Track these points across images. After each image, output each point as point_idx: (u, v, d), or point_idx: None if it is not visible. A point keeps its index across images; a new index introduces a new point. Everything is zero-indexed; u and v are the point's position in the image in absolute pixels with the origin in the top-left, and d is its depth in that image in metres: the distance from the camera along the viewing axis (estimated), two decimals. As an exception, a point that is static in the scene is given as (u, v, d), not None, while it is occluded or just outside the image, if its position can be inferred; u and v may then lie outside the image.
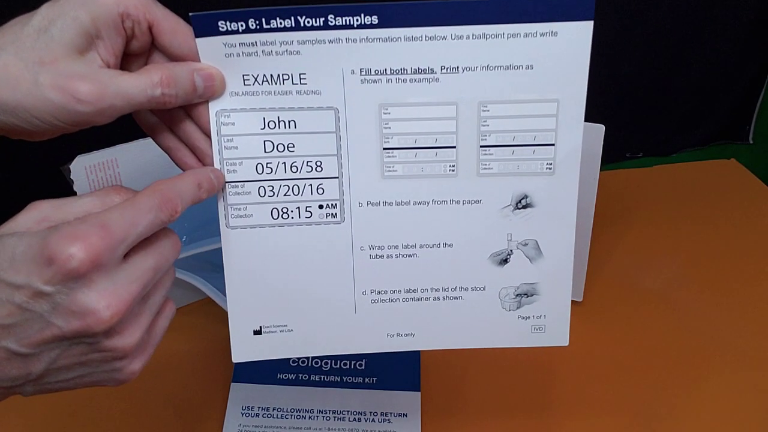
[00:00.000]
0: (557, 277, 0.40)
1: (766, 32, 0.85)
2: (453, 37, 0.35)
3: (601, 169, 0.58)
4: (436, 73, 0.36)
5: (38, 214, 0.31)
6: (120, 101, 0.33)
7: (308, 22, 0.35)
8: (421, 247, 0.39)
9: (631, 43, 0.81)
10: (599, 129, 0.57)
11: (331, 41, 0.35)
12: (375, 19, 0.35)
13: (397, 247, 0.39)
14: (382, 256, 0.39)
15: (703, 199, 0.83)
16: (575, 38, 0.36)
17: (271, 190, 0.37)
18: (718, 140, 0.94)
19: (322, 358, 0.59)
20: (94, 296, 0.29)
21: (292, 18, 0.34)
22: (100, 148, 0.59)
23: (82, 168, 0.57)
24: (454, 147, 0.38)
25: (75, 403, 0.57)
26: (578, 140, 0.38)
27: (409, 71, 0.36)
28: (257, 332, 0.40)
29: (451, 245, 0.39)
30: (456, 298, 0.40)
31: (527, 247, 0.39)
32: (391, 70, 0.36)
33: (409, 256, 0.39)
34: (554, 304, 0.41)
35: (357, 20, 0.35)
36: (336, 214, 0.38)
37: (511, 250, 0.39)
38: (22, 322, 0.29)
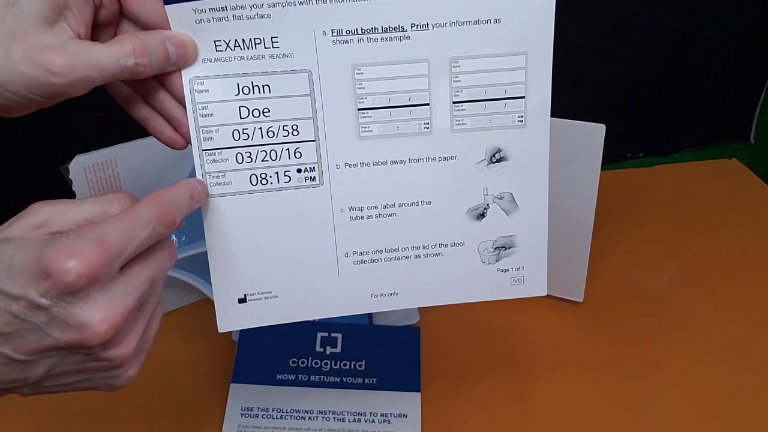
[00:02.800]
0: (533, 228, 0.41)
1: (766, 32, 0.84)
2: None
3: (601, 169, 0.58)
4: (406, 30, 0.36)
5: (37, 218, 0.31)
6: (93, 72, 0.33)
7: None
8: (400, 206, 0.40)
9: (631, 43, 0.81)
10: (600, 129, 0.57)
11: (301, 3, 0.35)
12: None
13: (376, 207, 0.39)
14: (362, 217, 0.39)
15: (704, 199, 0.83)
16: None
17: (249, 157, 0.38)
18: (719, 140, 0.94)
19: (321, 358, 0.59)
20: (89, 310, 0.29)
21: None
22: (98, 148, 0.59)
23: (80, 168, 0.57)
24: (428, 104, 0.38)
25: (74, 403, 0.57)
26: (547, 92, 0.39)
27: (380, 30, 0.36)
28: (242, 300, 0.40)
29: (429, 203, 0.40)
30: (436, 255, 0.41)
31: (503, 201, 0.40)
32: (362, 29, 0.36)
33: (389, 215, 0.40)
34: (531, 255, 0.42)
35: None
36: (314, 177, 0.39)
37: (488, 204, 0.40)
38: (20, 331, 0.29)
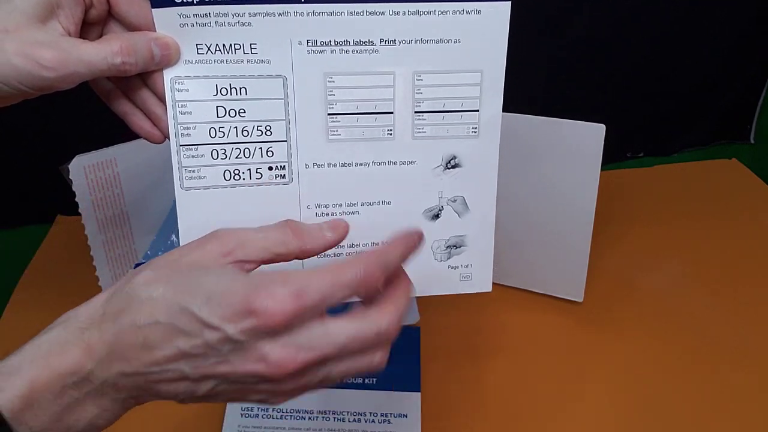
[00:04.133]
0: (482, 228, 0.44)
1: (766, 32, 0.84)
2: (391, 13, 0.39)
3: (601, 169, 0.58)
4: (375, 45, 0.40)
5: (225, 247, 0.33)
6: (82, 68, 0.35)
7: None
8: (362, 204, 0.42)
9: (631, 43, 0.81)
10: (600, 129, 0.57)
11: (280, 14, 0.38)
12: None
13: (341, 205, 0.42)
14: (327, 214, 0.42)
15: (704, 199, 0.83)
16: (496, 16, 0.40)
17: (224, 153, 0.40)
18: (719, 140, 0.94)
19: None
20: (274, 348, 0.30)
21: None
22: (98, 148, 0.59)
23: (81, 168, 0.57)
24: (392, 113, 0.41)
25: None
26: (499, 106, 0.42)
27: (351, 43, 0.39)
28: None
29: (389, 203, 0.43)
30: None
31: (456, 203, 0.43)
32: (335, 41, 0.39)
33: (352, 213, 0.42)
34: (479, 253, 0.45)
35: None
36: (285, 175, 0.41)
37: (442, 206, 0.43)
38: (203, 354, 0.31)
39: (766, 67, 0.88)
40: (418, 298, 0.61)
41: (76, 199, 0.58)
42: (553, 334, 0.64)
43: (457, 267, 0.45)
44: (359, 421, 0.55)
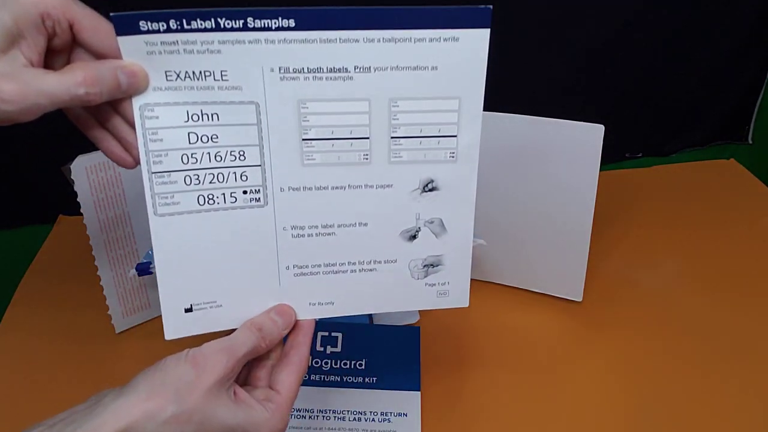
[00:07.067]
0: (459, 249, 0.44)
1: (765, 32, 0.85)
2: (365, 40, 0.38)
3: (600, 169, 0.58)
4: (349, 72, 0.39)
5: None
6: (44, 100, 0.34)
7: (228, 23, 0.36)
8: (339, 226, 0.42)
9: (630, 44, 0.81)
10: (599, 129, 0.57)
11: (250, 42, 0.37)
12: (292, 22, 0.37)
13: (317, 227, 0.42)
14: (303, 235, 0.42)
15: (703, 199, 0.83)
16: (474, 44, 0.39)
17: (197, 179, 0.39)
18: (717, 140, 0.94)
19: (322, 357, 0.59)
20: None
21: (212, 19, 0.36)
22: (100, 148, 0.59)
23: (82, 168, 0.57)
24: (368, 138, 0.41)
25: (79, 399, 0.57)
26: (477, 132, 0.42)
27: (325, 70, 0.39)
28: (188, 310, 0.42)
29: (366, 224, 0.43)
30: (371, 270, 0.44)
31: (433, 225, 0.44)
32: (308, 69, 0.38)
33: (328, 234, 0.42)
34: (456, 272, 0.45)
35: (275, 23, 0.37)
36: (259, 198, 0.41)
37: (419, 228, 0.44)
38: None
39: (764, 68, 0.89)
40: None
41: (78, 200, 0.58)
42: (552, 333, 0.64)
43: (435, 284, 0.45)
44: (359, 420, 0.55)
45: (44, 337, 0.64)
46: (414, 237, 0.44)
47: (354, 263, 0.43)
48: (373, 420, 0.55)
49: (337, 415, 0.55)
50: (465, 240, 0.44)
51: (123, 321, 0.65)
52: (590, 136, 0.58)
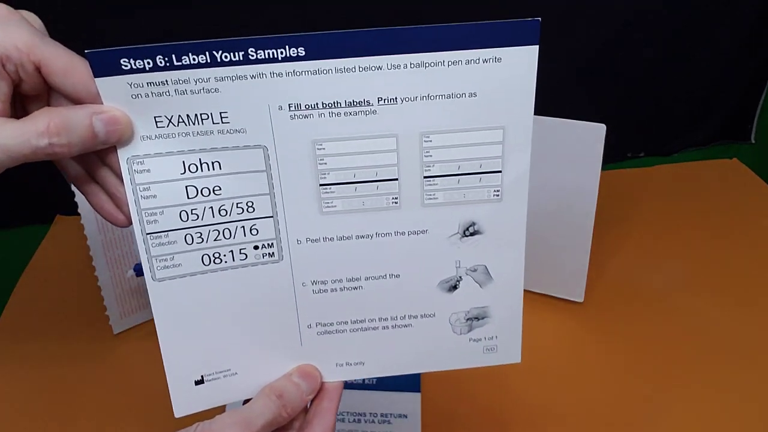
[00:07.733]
0: (508, 299, 0.39)
1: (766, 32, 0.84)
2: (389, 67, 0.33)
3: (602, 169, 0.58)
4: (372, 105, 0.34)
5: None
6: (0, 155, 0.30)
7: (226, 56, 0.31)
8: (366, 279, 0.38)
9: (631, 43, 0.81)
10: (600, 129, 0.57)
11: (253, 76, 0.32)
12: (302, 51, 0.32)
13: (341, 281, 0.38)
14: (326, 291, 0.38)
15: (705, 198, 0.83)
16: (520, 63, 0.34)
17: (200, 237, 0.35)
18: (719, 140, 0.93)
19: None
20: None
21: (208, 53, 0.31)
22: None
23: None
24: (396, 179, 0.36)
25: (76, 400, 0.57)
26: (526, 165, 0.36)
27: (343, 104, 0.34)
28: (199, 382, 0.38)
29: (398, 276, 0.38)
30: (405, 326, 0.39)
31: (476, 273, 0.39)
32: (323, 104, 0.33)
33: (354, 288, 0.38)
34: (505, 324, 0.40)
35: (282, 53, 0.32)
36: (273, 253, 0.36)
37: (461, 277, 0.38)
38: None
39: (766, 67, 0.88)
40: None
41: (76, 199, 0.58)
42: (553, 334, 0.64)
43: (480, 339, 0.40)
44: (359, 421, 0.55)
45: (41, 338, 0.64)
46: (454, 287, 0.38)
47: (386, 319, 0.39)
48: (373, 421, 0.55)
49: (336, 416, 0.55)
50: (515, 288, 0.39)
51: (121, 322, 0.64)
52: (592, 135, 0.57)
